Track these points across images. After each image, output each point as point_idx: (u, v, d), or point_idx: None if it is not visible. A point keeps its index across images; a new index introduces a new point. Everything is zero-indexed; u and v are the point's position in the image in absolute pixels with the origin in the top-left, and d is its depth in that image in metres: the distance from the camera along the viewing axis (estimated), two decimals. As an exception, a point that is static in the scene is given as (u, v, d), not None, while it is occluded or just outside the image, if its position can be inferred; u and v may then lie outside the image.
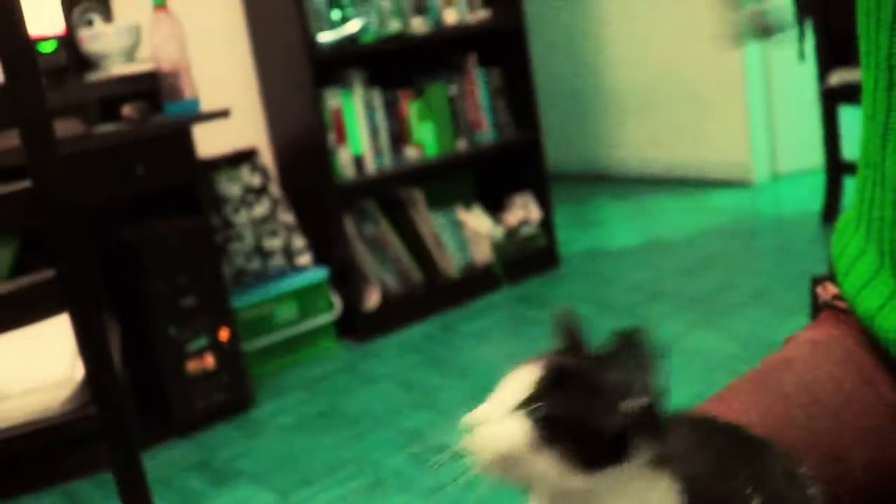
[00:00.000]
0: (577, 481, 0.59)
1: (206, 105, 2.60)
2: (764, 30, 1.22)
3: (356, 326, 3.03)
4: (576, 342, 0.66)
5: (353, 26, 3.00)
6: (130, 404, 2.46)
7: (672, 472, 0.62)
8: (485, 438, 0.61)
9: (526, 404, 0.61)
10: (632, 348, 0.61)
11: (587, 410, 0.60)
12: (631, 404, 0.59)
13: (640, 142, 4.69)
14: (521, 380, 0.63)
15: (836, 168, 3.35)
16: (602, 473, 0.59)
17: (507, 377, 0.65)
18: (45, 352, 1.48)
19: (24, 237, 2.41)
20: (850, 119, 3.20)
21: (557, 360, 0.63)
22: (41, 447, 1.36)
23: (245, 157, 2.96)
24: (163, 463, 2.39)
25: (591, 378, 0.61)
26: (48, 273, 1.23)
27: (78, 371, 1.37)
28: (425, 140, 3.23)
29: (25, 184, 1.20)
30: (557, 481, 0.59)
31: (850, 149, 3.21)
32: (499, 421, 0.61)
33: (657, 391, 0.60)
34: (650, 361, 0.60)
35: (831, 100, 3.27)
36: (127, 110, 2.37)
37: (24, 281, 1.25)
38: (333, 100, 3.02)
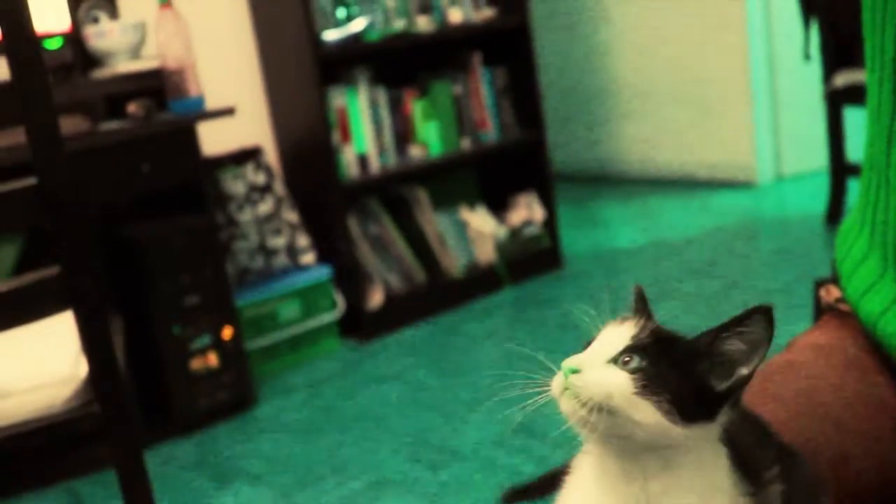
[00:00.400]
0: (671, 431, 0.62)
1: (211, 103, 2.60)
2: None
3: (359, 326, 3.03)
4: (647, 313, 0.72)
5: (358, 25, 3.00)
6: (133, 402, 2.47)
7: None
8: (590, 383, 0.64)
9: (626, 354, 0.65)
10: (756, 326, 0.66)
11: (693, 367, 0.65)
12: (744, 371, 0.65)
13: (644, 142, 4.68)
14: (618, 333, 0.67)
15: (841, 170, 3.34)
16: (694, 428, 0.63)
17: (603, 330, 0.69)
18: (49, 349, 1.48)
19: (29, 234, 2.41)
20: (856, 121, 3.19)
21: (651, 323, 0.69)
22: (44, 445, 1.37)
23: (250, 156, 2.97)
24: (165, 461, 2.40)
25: (694, 346, 0.67)
26: (53, 270, 1.23)
27: (81, 369, 1.37)
28: (429, 139, 3.23)
29: (31, 181, 1.20)
30: (653, 428, 0.62)
31: (855, 151, 3.20)
32: (600, 368, 0.65)
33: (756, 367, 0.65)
34: (769, 340, 0.65)
35: (836, 101, 3.26)
36: (132, 108, 2.37)
37: (29, 278, 1.25)
38: (338, 98, 3.02)
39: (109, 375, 1.27)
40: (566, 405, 0.65)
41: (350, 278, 3.01)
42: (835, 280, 0.95)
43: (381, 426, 2.41)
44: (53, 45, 2.44)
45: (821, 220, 3.49)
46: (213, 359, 2.55)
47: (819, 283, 0.98)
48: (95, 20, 2.59)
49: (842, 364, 0.86)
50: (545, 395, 0.67)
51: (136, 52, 2.56)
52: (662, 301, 3.02)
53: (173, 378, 2.51)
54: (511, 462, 2.13)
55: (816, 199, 3.71)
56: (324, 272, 2.97)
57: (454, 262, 3.27)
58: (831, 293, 0.95)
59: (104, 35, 2.51)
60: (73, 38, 2.49)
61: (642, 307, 0.72)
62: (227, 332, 2.57)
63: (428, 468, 2.17)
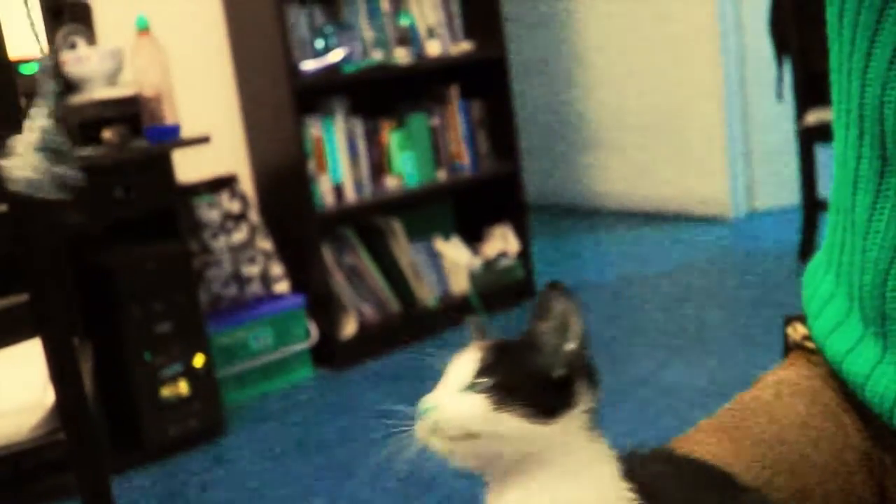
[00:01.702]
0: (538, 432, 0.64)
1: (187, 130, 2.60)
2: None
3: (332, 355, 3.02)
4: (486, 336, 0.73)
5: (336, 56, 3.01)
6: (103, 429, 2.44)
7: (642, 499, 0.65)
8: (446, 414, 0.66)
9: (475, 379, 0.67)
10: (555, 302, 0.68)
11: (531, 365, 0.67)
12: (568, 347, 0.67)
13: (618, 176, 4.72)
14: (465, 362, 0.69)
15: (813, 206, 3.38)
16: (558, 421, 0.65)
17: (450, 364, 0.70)
18: (16, 376, 1.46)
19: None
20: (827, 158, 3.23)
21: (493, 340, 0.71)
22: (9, 473, 1.35)
23: (225, 183, 2.96)
24: (134, 490, 2.37)
25: (527, 342, 0.68)
26: (21, 297, 1.22)
27: (48, 396, 1.36)
28: (405, 170, 3.24)
29: (1, 207, 1.19)
30: (521, 437, 0.64)
31: (827, 187, 3.24)
32: (454, 399, 0.66)
33: (585, 336, 0.67)
34: (574, 309, 0.67)
35: (808, 139, 3.30)
36: (108, 134, 2.37)
37: (-3, 305, 1.24)
38: (315, 128, 3.02)
39: (76, 403, 1.26)
40: (437, 445, 0.67)
41: (324, 307, 3.00)
42: (803, 317, 0.96)
43: (352, 456, 2.40)
44: (29, 70, 2.43)
45: (793, 255, 3.52)
46: (183, 386, 2.53)
47: (787, 320, 0.99)
48: (73, 46, 2.59)
49: (808, 401, 0.87)
50: (416, 441, 0.68)
51: (112, 79, 2.56)
52: (634, 335, 3.04)
53: (143, 405, 2.49)
54: (480, 492, 2.11)
55: (789, 234, 3.74)
56: (297, 301, 2.96)
57: (428, 293, 3.27)
58: (798, 331, 0.96)
59: (81, 61, 2.51)
60: (50, 64, 2.48)
61: (481, 333, 0.74)
62: (198, 360, 2.55)
63: (401, 498, 2.16)
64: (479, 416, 0.65)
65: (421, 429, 0.67)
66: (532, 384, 0.66)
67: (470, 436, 0.65)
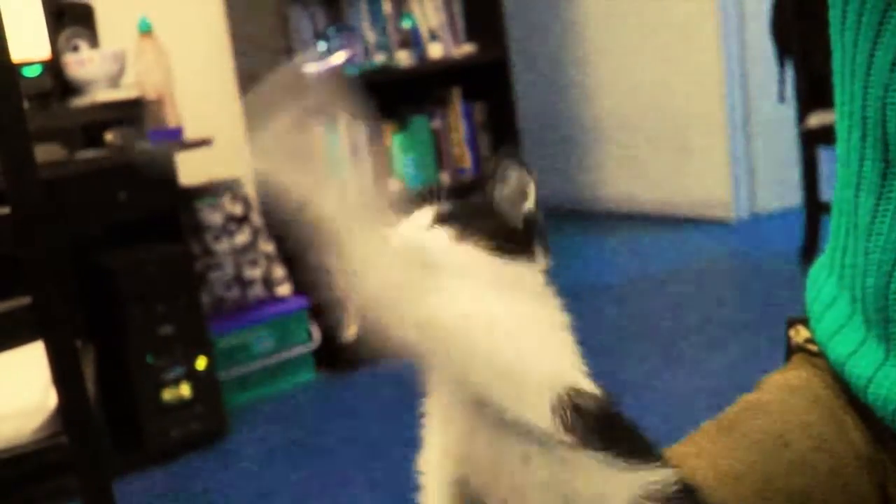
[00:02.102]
0: (497, 267, 0.68)
1: (189, 133, 2.60)
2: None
3: (334, 358, 3.02)
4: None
5: (338, 58, 3.01)
6: (105, 432, 2.44)
7: None
8: (412, 240, 0.69)
9: (438, 222, 0.70)
10: (513, 170, 0.72)
11: (491, 217, 0.71)
12: (526, 207, 0.71)
13: (621, 178, 4.71)
14: (424, 213, 0.72)
15: (815, 208, 3.38)
16: (516, 263, 0.68)
17: (411, 217, 0.73)
18: (18, 379, 1.46)
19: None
20: (830, 160, 3.23)
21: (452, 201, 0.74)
22: (11, 476, 1.35)
23: (227, 186, 2.96)
24: (136, 492, 2.37)
25: (486, 204, 0.73)
26: (24, 300, 1.22)
27: (51, 399, 1.36)
28: (407, 173, 3.24)
29: (4, 209, 1.19)
30: (480, 268, 0.67)
31: (830, 189, 3.24)
32: (418, 231, 0.69)
33: (539, 203, 0.71)
34: (530, 178, 0.72)
35: (811, 141, 3.30)
36: (110, 137, 2.37)
37: None
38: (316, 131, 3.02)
39: (79, 406, 1.26)
40: (394, 275, 0.67)
41: (326, 310, 2.99)
42: (805, 320, 0.95)
43: (354, 459, 2.40)
44: (32, 72, 2.43)
45: (795, 258, 3.52)
46: (185, 389, 2.53)
47: (790, 323, 0.99)
48: (75, 48, 2.59)
49: (810, 404, 0.87)
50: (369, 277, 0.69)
51: (115, 81, 2.56)
52: (636, 337, 3.03)
53: (145, 408, 2.49)
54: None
55: (791, 236, 3.74)
56: (299, 303, 2.96)
57: (431, 295, 3.27)
58: (801, 334, 0.96)
59: (84, 63, 2.51)
60: (53, 66, 2.49)
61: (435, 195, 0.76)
62: (200, 363, 2.55)
63: (400, 502, 2.15)
64: (444, 244, 0.67)
65: (380, 257, 0.68)
66: (492, 230, 0.69)
67: (431, 266, 0.67)
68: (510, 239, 0.69)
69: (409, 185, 3.24)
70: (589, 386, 0.68)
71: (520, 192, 0.71)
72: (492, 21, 3.36)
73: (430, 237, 0.68)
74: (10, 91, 1.17)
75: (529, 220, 0.71)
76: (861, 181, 0.81)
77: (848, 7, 0.78)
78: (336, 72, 3.00)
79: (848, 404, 0.87)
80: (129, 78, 2.62)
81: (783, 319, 1.00)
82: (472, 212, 0.72)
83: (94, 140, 2.46)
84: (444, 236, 0.68)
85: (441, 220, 0.70)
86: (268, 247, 2.96)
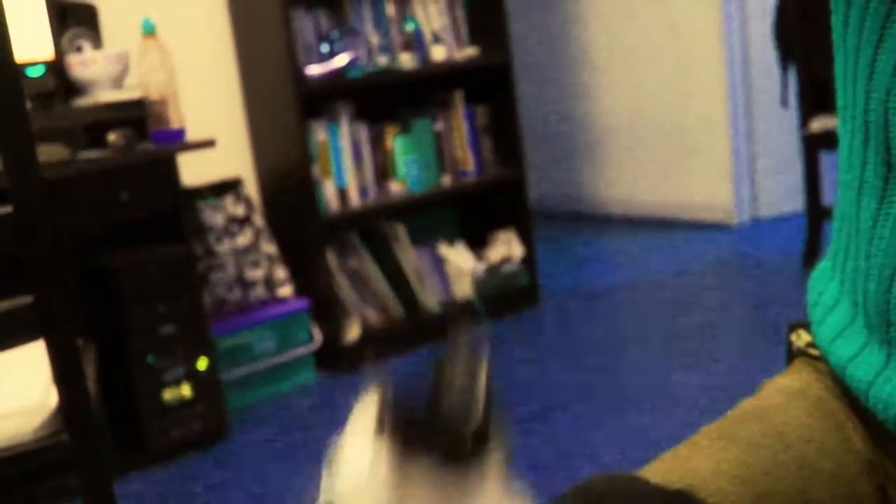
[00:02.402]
0: (451, 478, 0.60)
1: (192, 134, 2.60)
2: None
3: (336, 359, 3.02)
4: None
5: (341, 60, 3.02)
6: (106, 431, 2.44)
7: None
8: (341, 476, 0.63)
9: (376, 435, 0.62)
10: (461, 353, 0.63)
11: (436, 420, 0.61)
12: (471, 426, 0.61)
13: (623, 182, 4.72)
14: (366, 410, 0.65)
15: (817, 213, 3.38)
16: (470, 468, 0.60)
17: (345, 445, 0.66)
18: (19, 378, 1.47)
19: (1, 261, 2.40)
20: (832, 165, 3.24)
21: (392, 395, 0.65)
22: (12, 474, 1.35)
23: (229, 187, 2.97)
24: (136, 492, 2.37)
25: (429, 402, 0.62)
26: (25, 299, 1.22)
27: (52, 398, 1.36)
28: (410, 175, 3.24)
29: (7, 209, 1.19)
30: (433, 486, 0.60)
31: (831, 194, 3.24)
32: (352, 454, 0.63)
33: (490, 391, 0.62)
34: (479, 363, 0.62)
35: (813, 146, 3.30)
36: (113, 137, 2.37)
37: (1, 306, 1.24)
38: (319, 132, 3.03)
39: (80, 405, 1.26)
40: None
41: (327, 311, 3.00)
42: (807, 324, 0.96)
43: (354, 461, 2.40)
44: (35, 72, 2.44)
45: (797, 262, 3.52)
46: (187, 389, 2.53)
47: (791, 327, 0.99)
48: (79, 49, 2.60)
49: (811, 408, 0.87)
50: None
51: (118, 82, 2.57)
52: (638, 341, 3.03)
53: (146, 408, 2.49)
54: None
55: (793, 241, 3.74)
56: (301, 305, 2.96)
57: (432, 298, 3.27)
58: (802, 338, 0.96)
59: (87, 64, 2.51)
60: (56, 66, 2.49)
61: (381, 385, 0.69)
62: (202, 363, 2.55)
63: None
64: (384, 469, 0.61)
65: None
66: (439, 435, 0.61)
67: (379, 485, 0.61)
68: (459, 455, 0.61)
69: (411, 187, 3.24)
70: None
71: (469, 383, 0.62)
72: (494, 24, 3.36)
73: (365, 461, 0.62)
74: (13, 91, 1.17)
75: (480, 431, 0.61)
76: (863, 185, 0.81)
77: (850, 11, 0.78)
78: (339, 74, 3.00)
79: (849, 408, 0.87)
80: (132, 79, 2.62)
81: (784, 323, 1.00)
82: (413, 417, 0.63)
83: (97, 140, 2.46)
84: (388, 453, 0.61)
85: (383, 426, 0.62)
86: (269, 248, 2.96)
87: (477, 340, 0.63)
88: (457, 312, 0.63)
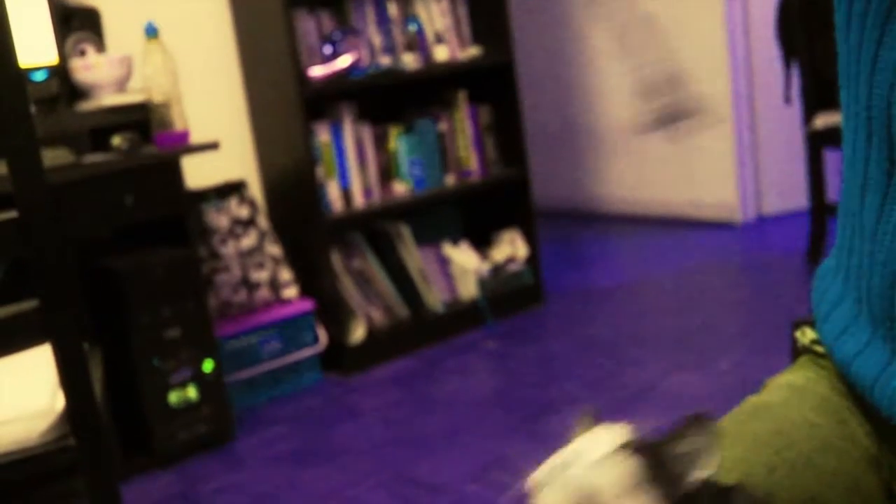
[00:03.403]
0: None
1: (196, 136, 2.61)
2: (672, 118, 0.86)
3: (341, 360, 3.02)
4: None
5: (344, 61, 3.02)
6: (112, 435, 2.45)
7: None
8: (586, 478, 0.62)
9: (625, 451, 0.62)
10: (699, 427, 0.64)
11: (668, 472, 0.62)
12: (699, 475, 0.63)
13: (627, 181, 4.72)
14: (609, 433, 0.65)
15: (821, 210, 3.37)
16: None
17: (582, 435, 0.65)
18: (26, 381, 1.47)
19: (7, 265, 2.40)
20: (836, 162, 3.23)
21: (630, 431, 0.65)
22: (19, 478, 1.35)
23: (234, 189, 2.97)
24: (143, 495, 2.38)
25: (662, 449, 0.64)
26: (31, 303, 1.23)
27: (58, 402, 1.37)
28: (413, 175, 3.24)
29: (12, 214, 1.20)
30: None
31: (836, 191, 3.24)
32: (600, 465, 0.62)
33: (718, 468, 0.63)
34: (715, 441, 0.63)
35: (816, 143, 3.30)
36: (117, 140, 2.38)
37: (7, 310, 1.24)
38: (323, 133, 3.03)
39: (86, 409, 1.27)
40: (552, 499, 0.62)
41: (332, 312, 3.01)
42: (811, 321, 0.96)
43: (360, 461, 2.40)
44: (39, 76, 2.44)
45: (801, 259, 3.52)
46: (192, 392, 2.54)
47: (796, 324, 0.99)
48: (82, 53, 2.61)
49: (816, 405, 0.87)
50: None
51: (122, 86, 2.57)
52: (642, 340, 3.03)
53: (152, 411, 2.49)
54: (488, 497, 2.12)
55: (797, 238, 3.74)
56: (306, 306, 2.97)
57: (436, 298, 3.27)
58: (807, 335, 0.96)
59: (91, 68, 2.52)
60: (60, 70, 2.50)
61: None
62: (207, 365, 2.56)
63: (407, 503, 2.16)
64: (624, 483, 0.61)
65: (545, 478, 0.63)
66: (673, 487, 0.62)
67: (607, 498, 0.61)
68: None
69: (415, 187, 3.24)
70: None
71: (696, 454, 0.63)
72: (497, 24, 3.36)
73: (614, 468, 0.62)
74: (17, 96, 1.17)
75: (699, 495, 0.63)
76: (867, 182, 0.81)
77: (853, 9, 0.78)
78: (342, 75, 3.00)
79: (854, 405, 0.87)
80: (135, 82, 2.63)
81: (789, 321, 1.01)
82: (651, 456, 0.63)
83: (101, 144, 2.47)
84: (628, 471, 0.61)
85: (628, 451, 0.63)
86: (274, 249, 2.96)
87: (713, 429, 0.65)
88: None
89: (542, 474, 0.63)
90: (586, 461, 0.63)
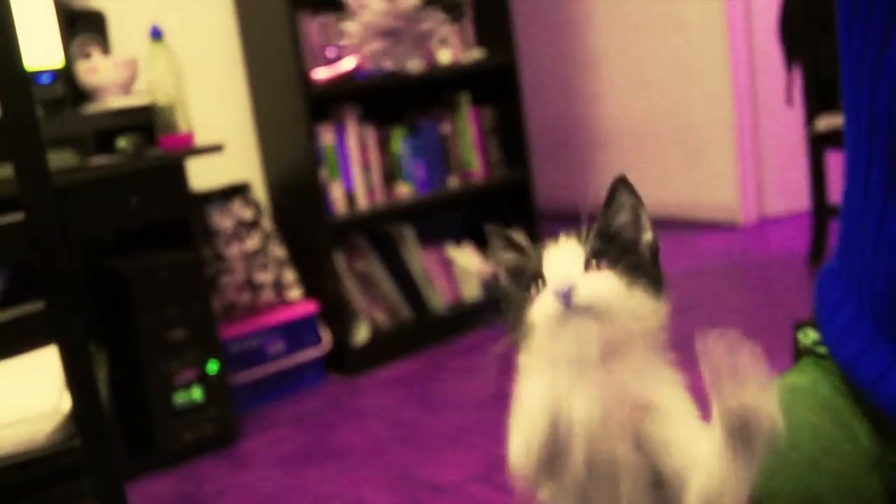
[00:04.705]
0: (658, 312, 0.70)
1: (200, 138, 2.61)
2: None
3: (345, 361, 3.03)
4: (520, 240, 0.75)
5: (347, 64, 3.03)
6: (118, 435, 2.46)
7: None
8: (588, 291, 0.66)
9: (593, 259, 0.69)
10: (625, 196, 0.72)
11: (629, 251, 0.70)
12: (646, 237, 0.72)
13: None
14: (571, 248, 0.71)
15: (823, 212, 3.37)
16: (663, 301, 0.70)
17: (551, 256, 0.71)
18: (32, 383, 1.48)
19: (14, 266, 2.41)
20: (838, 163, 3.23)
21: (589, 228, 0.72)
22: (25, 479, 1.36)
23: (238, 191, 2.98)
24: (148, 495, 2.38)
25: (609, 234, 0.71)
26: (38, 305, 1.23)
27: (65, 403, 1.37)
28: (417, 177, 3.25)
29: (18, 216, 1.20)
30: (647, 314, 0.69)
31: (837, 193, 3.24)
32: (588, 278, 0.67)
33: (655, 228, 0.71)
34: (642, 202, 0.71)
35: (818, 145, 3.30)
36: (122, 143, 2.39)
37: (14, 312, 1.25)
38: (327, 136, 3.04)
39: (92, 410, 1.27)
40: (570, 328, 0.66)
41: (336, 314, 3.01)
42: (813, 323, 0.96)
43: (364, 461, 2.41)
44: (45, 79, 2.45)
45: (803, 261, 3.52)
46: (197, 393, 2.55)
47: (797, 326, 1.00)
48: (88, 55, 2.61)
49: (818, 406, 0.88)
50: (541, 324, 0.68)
51: (127, 88, 2.58)
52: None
53: (158, 411, 2.50)
54: (492, 498, 2.12)
55: (799, 239, 3.74)
56: (310, 307, 2.97)
57: (439, 299, 3.28)
58: (809, 336, 0.96)
59: (96, 70, 2.53)
60: (65, 73, 2.51)
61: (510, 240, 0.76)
62: (212, 367, 2.56)
63: (411, 503, 2.16)
64: (618, 292, 0.66)
65: (554, 309, 0.67)
66: (637, 267, 0.69)
67: (604, 314, 0.66)
68: (649, 275, 0.70)
69: (419, 189, 3.25)
70: None
71: (635, 219, 0.71)
72: (500, 27, 3.37)
73: (604, 284, 0.67)
74: (23, 99, 1.18)
75: (654, 249, 0.71)
76: (869, 183, 0.81)
77: (856, 13, 0.78)
78: (345, 77, 3.01)
79: (856, 406, 0.87)
80: (140, 84, 2.64)
81: (791, 322, 1.01)
82: (613, 247, 0.70)
83: (107, 146, 2.48)
84: (615, 282, 0.67)
85: (594, 255, 0.69)
86: (278, 251, 2.97)
87: (633, 189, 0.72)
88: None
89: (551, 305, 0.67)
90: (580, 275, 0.67)
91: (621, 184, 0.72)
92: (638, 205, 0.71)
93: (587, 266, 0.68)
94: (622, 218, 0.72)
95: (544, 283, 0.70)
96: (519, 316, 0.70)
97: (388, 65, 0.85)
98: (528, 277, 0.72)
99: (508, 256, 0.77)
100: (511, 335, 0.71)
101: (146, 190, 2.42)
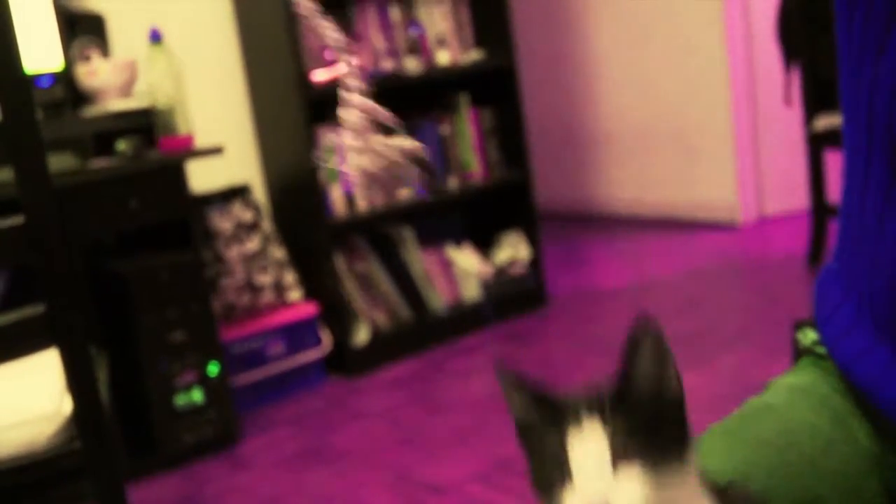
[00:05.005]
0: (686, 478, 0.61)
1: (200, 141, 2.62)
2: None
3: (345, 362, 3.03)
4: (535, 387, 0.68)
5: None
6: (118, 437, 2.46)
7: None
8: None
9: (618, 459, 0.61)
10: (646, 343, 0.65)
11: (651, 415, 0.62)
12: (674, 389, 0.64)
13: (628, 183, 4.72)
14: (593, 440, 0.62)
15: (822, 211, 3.38)
16: (689, 460, 0.62)
17: (574, 442, 0.63)
18: (33, 385, 1.48)
19: (15, 269, 2.41)
20: (837, 163, 3.23)
21: (602, 393, 0.64)
22: (26, 482, 1.36)
23: (238, 193, 2.98)
24: (149, 497, 2.38)
25: (628, 390, 0.64)
26: (38, 308, 1.24)
27: (65, 406, 1.38)
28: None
29: (19, 219, 1.21)
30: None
31: (836, 192, 3.24)
32: (618, 489, 0.60)
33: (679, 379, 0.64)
34: (667, 351, 0.64)
35: (817, 144, 3.30)
36: (122, 145, 2.39)
37: (14, 315, 1.25)
38: (326, 137, 3.04)
39: (93, 412, 1.28)
40: None
41: (336, 315, 3.01)
42: (813, 323, 0.96)
43: (365, 462, 2.41)
44: (45, 82, 2.45)
45: (802, 260, 3.52)
46: (198, 395, 2.55)
47: (797, 325, 1.00)
48: (87, 58, 2.62)
49: (817, 406, 0.88)
50: None
51: (126, 90, 2.58)
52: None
53: (158, 414, 2.50)
54: (493, 499, 2.12)
55: (798, 239, 3.74)
56: (310, 309, 2.98)
57: (439, 300, 3.28)
58: (808, 336, 0.96)
59: (96, 73, 2.53)
60: (65, 76, 2.51)
61: (523, 386, 0.69)
62: (212, 368, 2.57)
63: (411, 507, 2.16)
64: (653, 499, 0.60)
65: None
66: (661, 425, 0.62)
67: None
68: (672, 429, 0.62)
69: (418, 190, 3.25)
70: None
71: (658, 363, 0.64)
72: (499, 27, 3.37)
73: (636, 494, 0.60)
74: (23, 102, 1.18)
75: (678, 403, 0.63)
76: (868, 183, 0.81)
77: (854, 15, 0.78)
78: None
79: (855, 406, 0.87)
80: (140, 87, 2.64)
81: (790, 322, 1.01)
82: (641, 415, 0.62)
83: (106, 149, 2.48)
84: (643, 484, 0.59)
85: (622, 454, 0.61)
86: (278, 253, 2.97)
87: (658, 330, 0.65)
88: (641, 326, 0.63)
89: None
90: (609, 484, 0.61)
91: (644, 334, 0.65)
92: (665, 357, 0.65)
93: (615, 461, 0.61)
94: (645, 371, 0.64)
95: (570, 478, 0.62)
96: (542, 474, 0.64)
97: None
98: (551, 462, 0.63)
99: (521, 404, 0.70)
100: (535, 487, 0.65)
101: (146, 192, 2.42)
